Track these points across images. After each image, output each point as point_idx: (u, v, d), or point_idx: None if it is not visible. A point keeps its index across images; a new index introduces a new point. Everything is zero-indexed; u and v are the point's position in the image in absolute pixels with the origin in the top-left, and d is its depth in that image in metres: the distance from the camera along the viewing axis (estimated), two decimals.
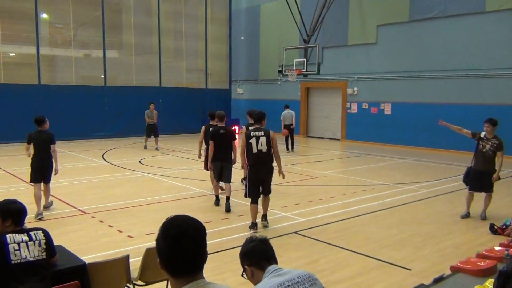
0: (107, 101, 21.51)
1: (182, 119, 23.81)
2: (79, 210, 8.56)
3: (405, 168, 14.23)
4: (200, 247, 1.87)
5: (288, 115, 17.78)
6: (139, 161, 14.66)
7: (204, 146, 9.94)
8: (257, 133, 7.36)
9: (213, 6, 25.85)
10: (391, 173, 13.32)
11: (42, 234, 3.79)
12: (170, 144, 19.19)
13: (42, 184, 8.27)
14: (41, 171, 8.20)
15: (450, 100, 17.91)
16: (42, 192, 8.23)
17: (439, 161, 15.75)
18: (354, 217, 8.29)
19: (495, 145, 7.92)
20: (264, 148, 7.31)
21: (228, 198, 8.68)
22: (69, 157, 15.39)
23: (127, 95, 21.55)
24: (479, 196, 8.32)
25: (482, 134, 8.10)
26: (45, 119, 8.43)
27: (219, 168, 8.80)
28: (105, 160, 15.11)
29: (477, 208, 8.35)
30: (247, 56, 27.56)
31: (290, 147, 17.70)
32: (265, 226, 7.53)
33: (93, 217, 8.12)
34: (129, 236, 7.01)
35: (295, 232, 7.32)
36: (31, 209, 7.00)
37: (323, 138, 23.38)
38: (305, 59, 20.92)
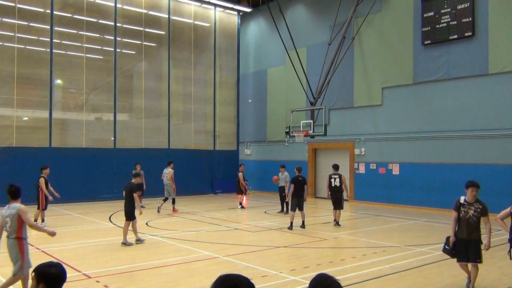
0: (116, 163, 21.70)
1: (190, 180, 23.84)
2: (83, 274, 8.40)
3: (416, 230, 13.94)
4: None
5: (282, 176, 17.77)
6: (146, 223, 14.54)
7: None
8: (335, 176, 14.38)
9: (222, 71, 26.68)
10: (402, 234, 13.05)
11: None
12: (178, 206, 19.07)
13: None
14: (125, 212, 11.43)
15: (456, 160, 17.87)
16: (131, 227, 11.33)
17: (450, 222, 15.39)
18: (365, 281, 8.03)
19: (479, 209, 7.20)
20: (337, 184, 14.25)
21: (303, 222, 13.85)
22: (76, 219, 15.33)
23: (136, 157, 21.76)
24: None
25: (462, 200, 7.40)
26: (138, 174, 12.50)
27: (297, 201, 13.62)
28: (112, 222, 15.01)
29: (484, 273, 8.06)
30: (255, 118, 28.01)
31: (285, 209, 17.37)
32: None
33: (97, 281, 7.94)
34: None
35: None
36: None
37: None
38: (312, 121, 21.17)
